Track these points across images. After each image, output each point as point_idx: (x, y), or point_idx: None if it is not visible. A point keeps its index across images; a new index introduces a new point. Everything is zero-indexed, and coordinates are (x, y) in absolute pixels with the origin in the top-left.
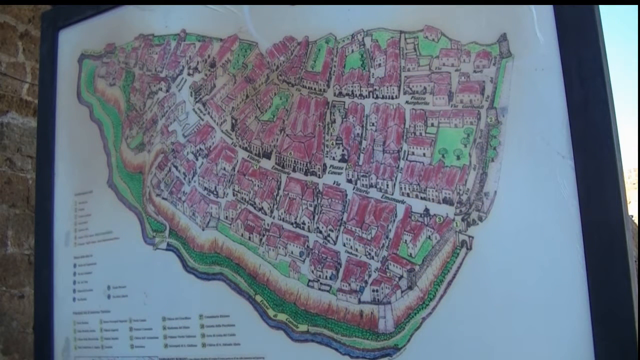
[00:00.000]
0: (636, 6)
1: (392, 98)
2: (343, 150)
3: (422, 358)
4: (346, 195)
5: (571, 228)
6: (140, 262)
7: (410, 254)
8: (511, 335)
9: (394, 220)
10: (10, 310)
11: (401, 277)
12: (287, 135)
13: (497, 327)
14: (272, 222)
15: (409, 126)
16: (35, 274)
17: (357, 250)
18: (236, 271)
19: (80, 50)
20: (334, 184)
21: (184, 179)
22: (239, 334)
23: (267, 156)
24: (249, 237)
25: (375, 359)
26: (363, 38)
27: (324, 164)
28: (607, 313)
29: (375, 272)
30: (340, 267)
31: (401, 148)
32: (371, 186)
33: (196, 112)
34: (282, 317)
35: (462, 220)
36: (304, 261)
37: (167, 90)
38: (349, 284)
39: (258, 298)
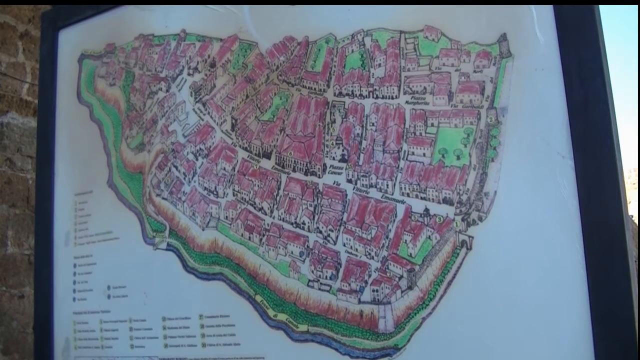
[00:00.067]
0: (636, 6)
1: (392, 98)
2: (343, 150)
3: (422, 358)
4: (346, 195)
5: (571, 228)
6: (140, 262)
7: (410, 254)
8: (511, 335)
9: (394, 220)
10: (10, 310)
11: (401, 277)
12: (287, 135)
13: (497, 327)
14: (272, 222)
15: (409, 126)
16: (35, 274)
17: (357, 250)
18: (236, 271)
19: (80, 50)
20: (334, 184)
21: (184, 179)
22: (239, 334)
23: (267, 156)
24: (249, 237)
25: (375, 359)
26: (363, 38)
27: (324, 164)
28: (607, 313)
29: (375, 272)
30: (340, 267)
31: (401, 148)
32: (371, 186)
33: (196, 112)
34: (282, 317)
35: (462, 220)
36: (304, 261)
37: (167, 90)
38: (349, 284)
39: (258, 298)
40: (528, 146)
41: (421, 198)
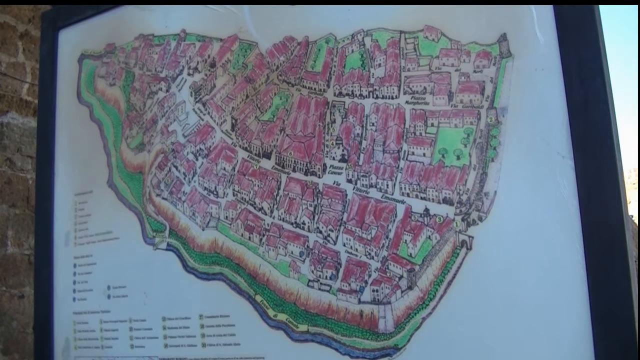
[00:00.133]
0: (636, 6)
1: (392, 98)
2: (343, 150)
3: (422, 358)
4: (346, 195)
5: (571, 228)
6: (140, 262)
7: (410, 254)
8: (511, 335)
9: (394, 220)
10: (10, 310)
11: (401, 277)
12: (287, 135)
13: (497, 327)
14: (272, 222)
15: (409, 126)
16: (35, 274)
17: (357, 250)
18: (236, 271)
19: (80, 50)
20: (334, 184)
21: (184, 179)
22: (239, 334)
23: (267, 156)
24: (249, 237)
25: (375, 359)
26: (363, 38)
27: (324, 164)
28: (607, 313)
29: (375, 272)
30: (340, 267)
31: (401, 148)
32: (371, 186)
33: (196, 112)
34: (282, 317)
35: (462, 220)
36: (304, 261)
37: (167, 90)
38: (349, 284)
39: (258, 298)
40: (528, 146)
41: (421, 198)
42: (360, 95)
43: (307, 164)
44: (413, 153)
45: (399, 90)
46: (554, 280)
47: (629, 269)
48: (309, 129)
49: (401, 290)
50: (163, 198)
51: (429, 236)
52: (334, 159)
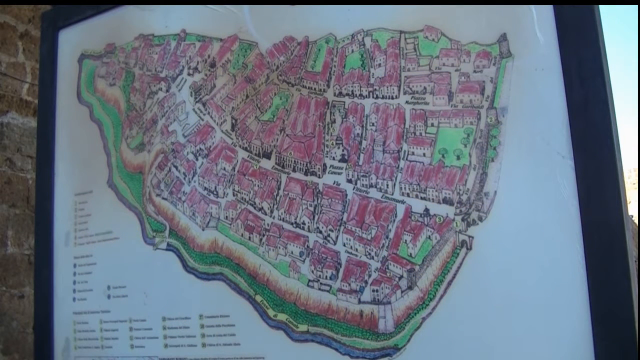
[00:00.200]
0: (636, 6)
1: (392, 98)
2: (343, 150)
3: (422, 358)
4: (346, 195)
5: (571, 228)
6: (140, 262)
7: (410, 254)
8: (511, 335)
9: (394, 220)
10: (10, 310)
11: (401, 277)
12: (287, 135)
13: (497, 327)
14: (272, 222)
15: (409, 126)
16: (35, 274)
17: (357, 250)
18: (236, 271)
19: (80, 50)
20: (334, 184)
21: (184, 179)
22: (239, 334)
23: (267, 156)
24: (249, 237)
25: (375, 359)
26: (363, 38)
27: (324, 164)
28: (607, 313)
29: (375, 272)
30: (340, 267)
31: (401, 148)
32: (371, 186)
33: (196, 112)
34: (282, 317)
35: (462, 220)
36: (304, 261)
37: (167, 90)
38: (349, 284)
39: (258, 298)
40: (528, 146)
41: (421, 198)
42: (360, 95)
43: (307, 164)
44: (413, 153)
45: (399, 90)
46: (554, 280)
47: (629, 269)
48: (309, 129)
49: (401, 290)
50: (163, 198)
51: (429, 236)
52: (334, 159)
